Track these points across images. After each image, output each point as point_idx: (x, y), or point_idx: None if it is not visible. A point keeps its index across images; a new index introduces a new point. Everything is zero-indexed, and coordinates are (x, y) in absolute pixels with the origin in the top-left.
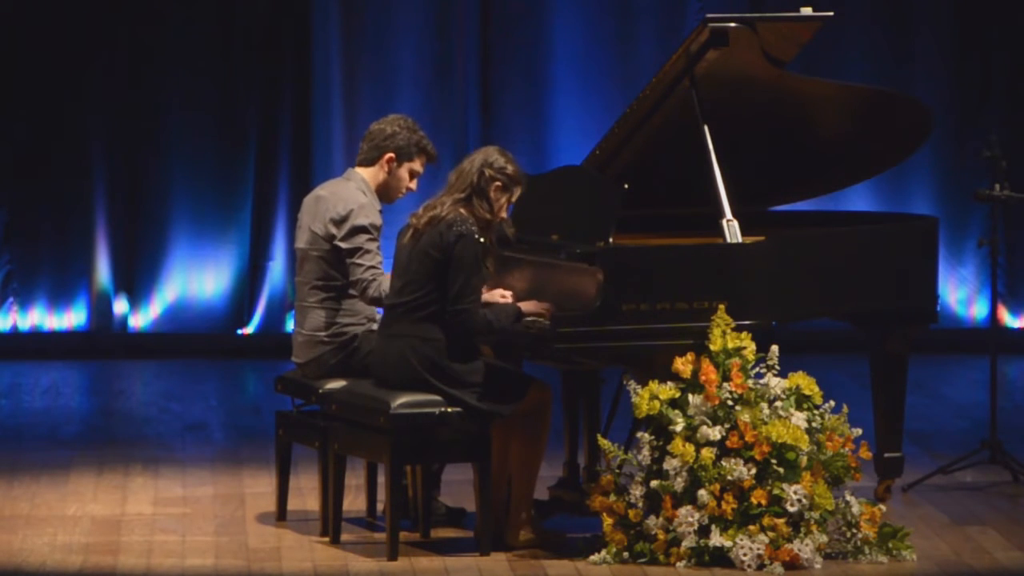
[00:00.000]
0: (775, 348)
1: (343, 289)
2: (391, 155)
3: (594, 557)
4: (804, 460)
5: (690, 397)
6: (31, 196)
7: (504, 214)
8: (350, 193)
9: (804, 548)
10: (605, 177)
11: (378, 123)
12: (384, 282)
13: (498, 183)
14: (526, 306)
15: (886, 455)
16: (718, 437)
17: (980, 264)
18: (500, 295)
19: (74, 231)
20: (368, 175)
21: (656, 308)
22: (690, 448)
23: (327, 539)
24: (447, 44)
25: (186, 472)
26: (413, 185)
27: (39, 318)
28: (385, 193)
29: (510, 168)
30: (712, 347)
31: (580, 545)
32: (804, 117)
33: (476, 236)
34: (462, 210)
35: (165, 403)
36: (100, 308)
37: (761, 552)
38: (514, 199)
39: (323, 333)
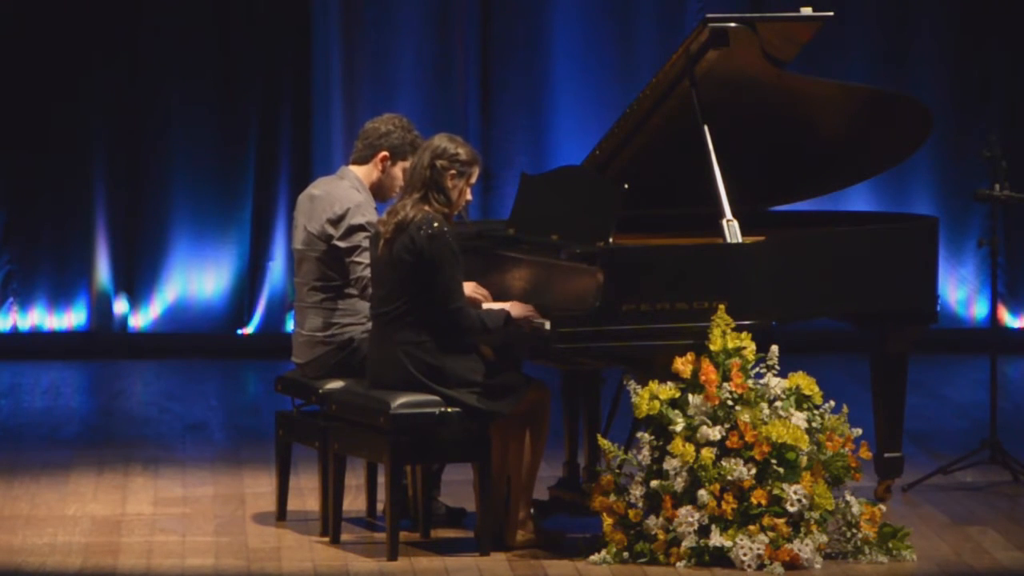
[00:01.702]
0: (775, 348)
1: (342, 289)
2: (385, 154)
3: (594, 557)
4: (804, 460)
5: (690, 397)
6: (31, 196)
7: (469, 196)
8: (344, 192)
9: (804, 548)
10: (605, 177)
11: (372, 122)
12: None
13: (452, 171)
14: (514, 310)
15: (886, 455)
16: (718, 437)
17: (980, 264)
18: (473, 289)
19: (74, 231)
20: (362, 173)
21: (656, 308)
22: (690, 448)
23: (327, 539)
24: (447, 44)
25: (186, 472)
26: None
27: (39, 318)
28: (379, 191)
29: (462, 152)
30: (712, 347)
31: (580, 545)
32: (804, 117)
33: (446, 231)
34: (425, 208)
35: (165, 403)
36: (100, 308)
37: (761, 552)
38: (473, 180)
39: (322, 333)
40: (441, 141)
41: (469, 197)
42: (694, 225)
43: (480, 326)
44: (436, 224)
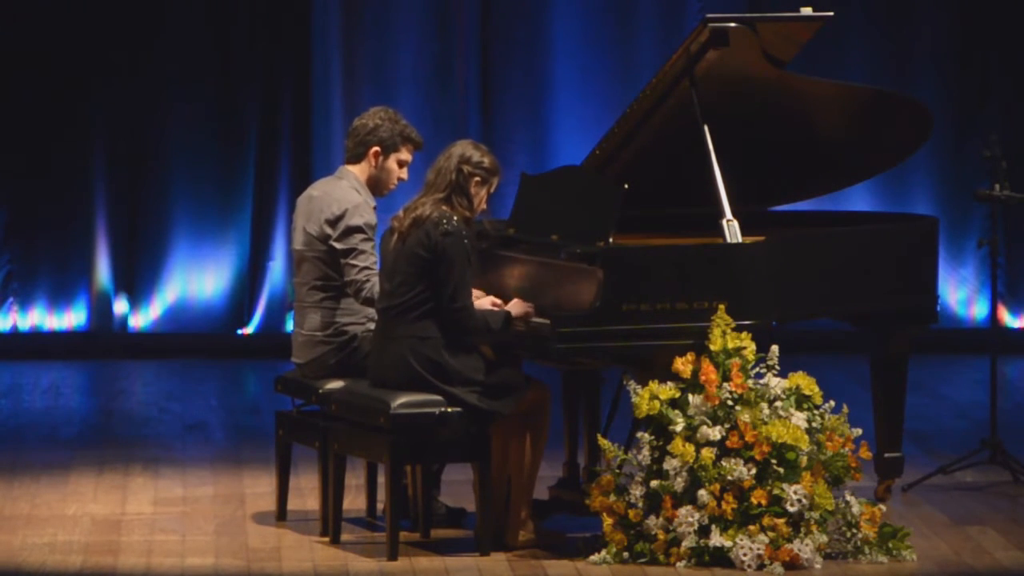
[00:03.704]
0: (775, 348)
1: (341, 289)
2: (376, 149)
3: (594, 557)
4: (804, 460)
5: (690, 397)
6: (31, 196)
7: (484, 206)
8: (343, 192)
9: (804, 548)
10: (605, 177)
11: (360, 119)
12: (378, 283)
13: (477, 178)
14: (514, 309)
15: (886, 455)
16: (718, 437)
17: (980, 264)
18: (491, 303)
19: (74, 231)
20: (358, 172)
21: (656, 308)
22: (690, 448)
23: (327, 539)
24: (447, 44)
25: (186, 472)
26: (404, 174)
27: (39, 318)
28: (376, 187)
29: (487, 161)
30: (712, 347)
31: (580, 545)
32: (804, 117)
33: (463, 231)
34: (444, 208)
35: (165, 403)
36: (100, 308)
37: (761, 552)
38: (493, 190)
39: (322, 333)
40: (467, 148)
41: (484, 207)
42: (694, 225)
43: (484, 326)
44: (454, 222)
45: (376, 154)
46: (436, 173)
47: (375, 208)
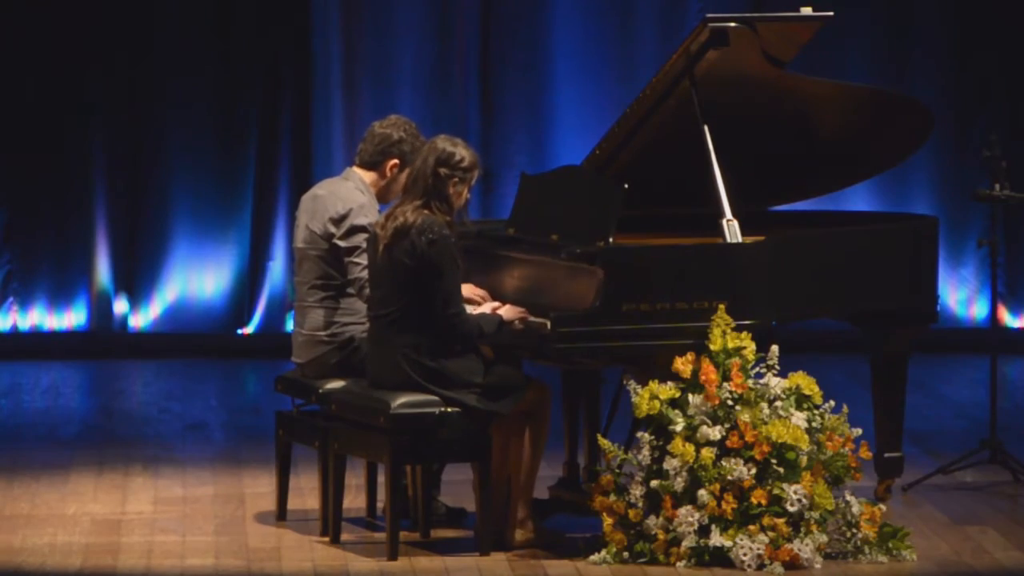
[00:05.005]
0: (775, 348)
1: (342, 288)
2: (396, 161)
3: (594, 557)
4: (804, 460)
5: (690, 397)
6: (31, 196)
7: (468, 195)
8: (348, 192)
9: (804, 548)
10: (605, 177)
11: (381, 126)
12: None
13: (455, 179)
14: (506, 313)
15: (886, 455)
16: (718, 437)
17: (980, 264)
18: (492, 308)
19: (74, 231)
20: (368, 178)
21: (656, 308)
22: (690, 448)
23: (327, 539)
24: (447, 44)
25: (186, 472)
26: None
27: (39, 318)
28: (383, 196)
29: (465, 160)
30: (712, 347)
31: (580, 545)
32: (804, 117)
33: (448, 235)
34: (425, 213)
35: (165, 403)
36: (100, 308)
37: (761, 552)
38: (473, 183)
39: (323, 333)
40: (444, 145)
41: (468, 195)
42: (694, 225)
43: (477, 331)
44: (437, 229)
45: (394, 167)
46: (414, 180)
47: (379, 210)
